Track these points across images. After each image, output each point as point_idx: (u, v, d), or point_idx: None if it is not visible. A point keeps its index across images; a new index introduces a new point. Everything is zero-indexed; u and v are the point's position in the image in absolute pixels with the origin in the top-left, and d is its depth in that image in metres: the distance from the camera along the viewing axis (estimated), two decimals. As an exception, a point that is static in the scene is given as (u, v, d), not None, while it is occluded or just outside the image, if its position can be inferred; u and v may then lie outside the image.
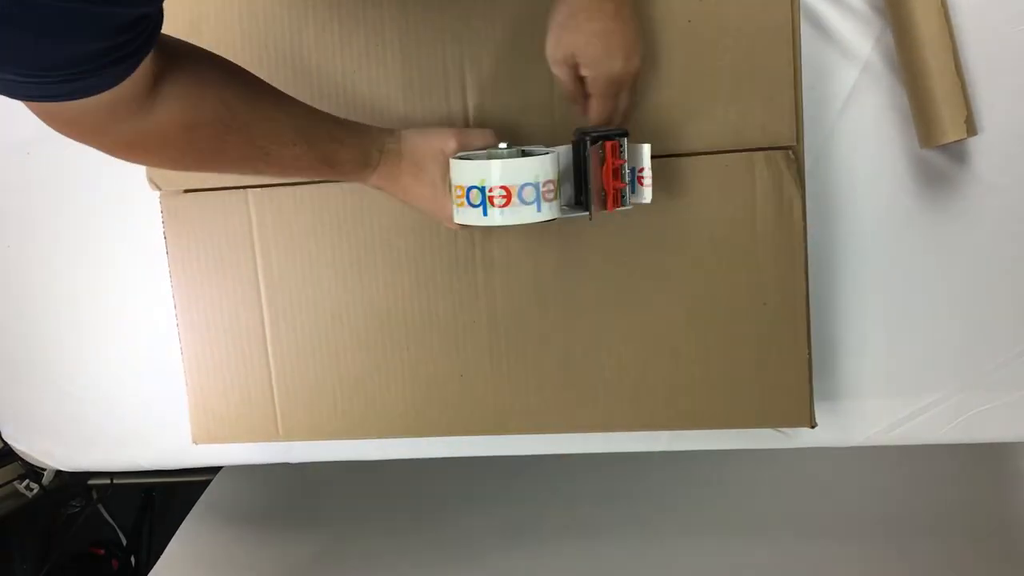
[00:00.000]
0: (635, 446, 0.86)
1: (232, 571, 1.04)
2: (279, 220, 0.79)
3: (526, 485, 1.17)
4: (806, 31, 0.73)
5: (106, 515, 1.65)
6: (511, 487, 1.18)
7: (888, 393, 0.82)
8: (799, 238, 0.71)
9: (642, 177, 0.65)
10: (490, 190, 0.59)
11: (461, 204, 0.61)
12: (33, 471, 1.22)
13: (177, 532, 1.09)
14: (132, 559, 1.61)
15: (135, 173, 0.78)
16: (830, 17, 0.76)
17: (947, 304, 0.79)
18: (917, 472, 1.08)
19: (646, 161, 0.65)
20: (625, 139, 0.63)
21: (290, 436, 0.82)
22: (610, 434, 0.85)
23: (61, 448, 1.03)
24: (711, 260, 0.72)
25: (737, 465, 1.11)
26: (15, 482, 1.29)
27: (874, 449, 0.84)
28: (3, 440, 1.05)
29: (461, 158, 0.62)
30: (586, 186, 0.63)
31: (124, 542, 1.64)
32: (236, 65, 0.59)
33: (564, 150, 0.64)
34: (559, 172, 0.62)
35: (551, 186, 0.60)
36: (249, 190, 0.79)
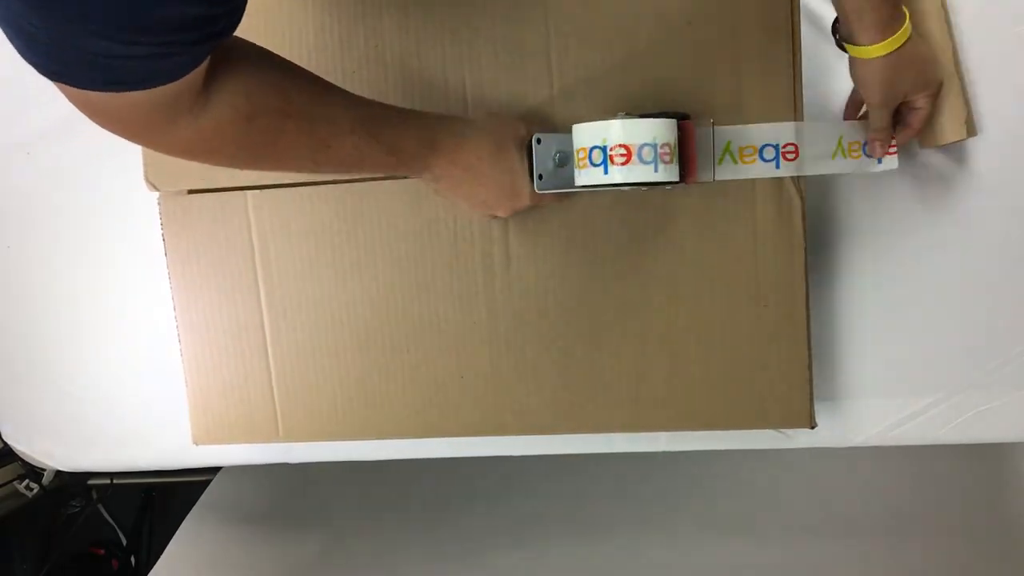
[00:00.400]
0: (635, 446, 0.86)
1: (232, 571, 1.04)
2: (279, 221, 0.79)
3: (526, 485, 1.17)
4: (806, 31, 0.73)
5: (106, 515, 1.65)
6: (511, 487, 1.18)
7: (888, 393, 0.82)
8: (799, 238, 0.71)
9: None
10: (611, 148, 0.63)
11: (584, 166, 0.65)
12: (33, 471, 1.22)
13: (177, 532, 1.09)
14: (132, 559, 1.61)
15: (135, 173, 0.79)
16: (830, 17, 0.76)
17: (947, 304, 0.79)
18: (917, 472, 1.08)
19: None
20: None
21: (290, 437, 0.82)
22: (610, 434, 0.85)
23: (61, 448, 1.03)
24: (711, 260, 0.72)
25: (737, 465, 1.11)
26: (15, 482, 1.30)
27: (874, 449, 0.84)
28: (3, 440, 1.05)
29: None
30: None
31: (124, 542, 1.64)
32: (284, 58, 0.57)
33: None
34: (675, 140, 0.65)
35: (667, 149, 0.64)
36: (248, 191, 0.78)
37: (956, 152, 0.76)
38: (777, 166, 0.70)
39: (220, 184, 0.79)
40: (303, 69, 0.58)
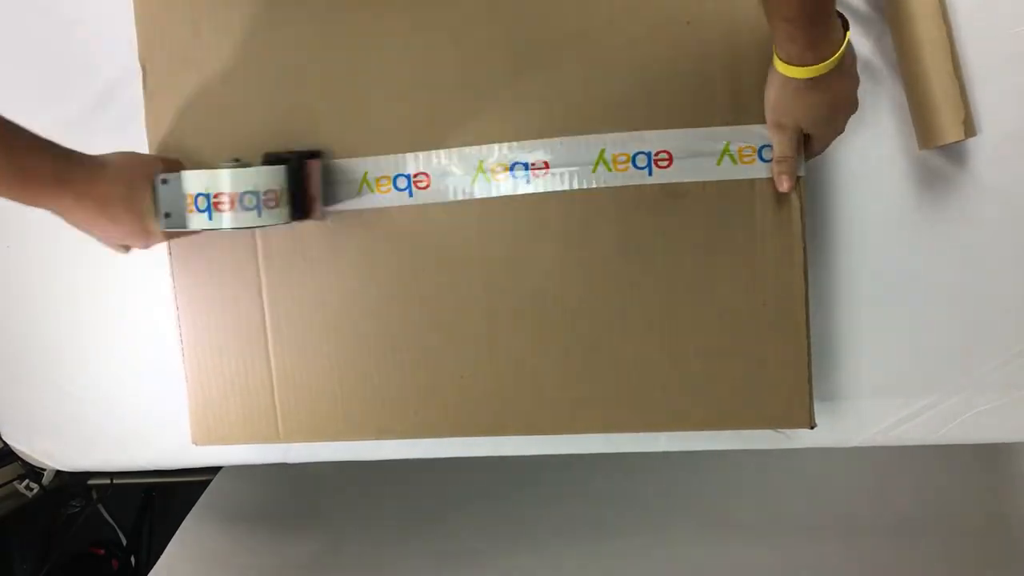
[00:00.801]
0: (635, 446, 0.86)
1: (232, 571, 1.04)
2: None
3: (526, 485, 1.17)
4: (806, 31, 0.73)
5: (106, 515, 1.65)
6: (511, 487, 1.18)
7: (888, 393, 0.82)
8: (799, 238, 0.71)
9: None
10: (215, 196, 0.67)
11: (192, 211, 0.68)
12: (33, 471, 1.22)
13: (177, 532, 1.09)
14: (132, 559, 1.61)
15: (135, 173, 0.79)
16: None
17: (947, 304, 0.79)
18: (917, 472, 1.08)
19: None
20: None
21: (290, 437, 0.82)
22: (610, 435, 0.85)
23: (61, 448, 1.03)
24: (711, 260, 0.73)
25: (737, 465, 1.11)
26: (15, 482, 1.30)
27: (874, 449, 0.84)
28: (3, 440, 1.05)
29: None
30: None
31: (124, 542, 1.64)
32: None
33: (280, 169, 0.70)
34: (284, 184, 0.69)
35: (272, 195, 0.68)
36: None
37: (955, 152, 0.77)
38: None
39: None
40: None
